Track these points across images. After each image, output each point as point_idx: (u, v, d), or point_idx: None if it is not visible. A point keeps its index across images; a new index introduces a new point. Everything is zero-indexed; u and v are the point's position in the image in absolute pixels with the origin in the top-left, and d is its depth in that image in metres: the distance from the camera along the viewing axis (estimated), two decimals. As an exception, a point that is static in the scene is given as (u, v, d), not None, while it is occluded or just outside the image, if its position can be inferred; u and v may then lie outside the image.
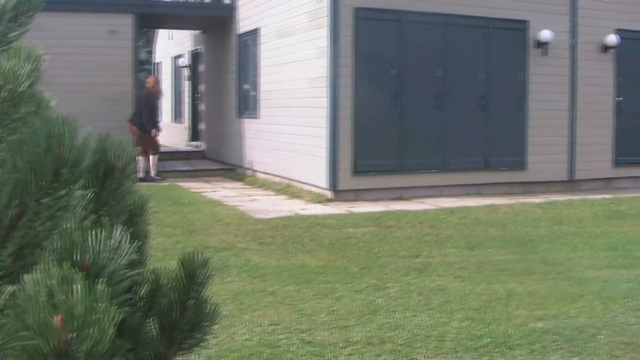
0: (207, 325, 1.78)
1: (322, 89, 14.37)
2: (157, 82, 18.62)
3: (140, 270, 1.72)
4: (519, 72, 15.83)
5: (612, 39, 16.46)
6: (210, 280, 1.78)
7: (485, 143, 15.46)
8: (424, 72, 14.82)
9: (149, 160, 17.76)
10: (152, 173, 17.72)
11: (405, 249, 9.70)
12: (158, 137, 18.13)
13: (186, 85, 26.14)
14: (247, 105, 19.20)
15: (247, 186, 16.99)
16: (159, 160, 18.23)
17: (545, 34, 15.71)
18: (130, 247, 1.30)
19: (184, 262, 1.75)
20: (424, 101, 14.86)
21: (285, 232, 10.76)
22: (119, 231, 1.33)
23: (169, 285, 1.78)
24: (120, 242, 1.29)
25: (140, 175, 17.45)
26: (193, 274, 1.75)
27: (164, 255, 8.75)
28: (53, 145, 1.23)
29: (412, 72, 14.69)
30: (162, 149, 19.86)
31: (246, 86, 19.35)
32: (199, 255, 1.76)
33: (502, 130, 15.61)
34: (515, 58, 15.79)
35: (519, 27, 15.73)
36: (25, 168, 1.22)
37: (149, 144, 17.59)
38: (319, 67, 14.52)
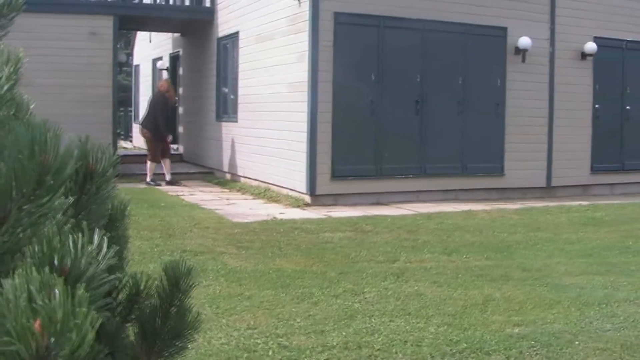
0: (189, 333, 1.78)
1: (302, 93, 14.38)
2: (170, 85, 18.30)
3: (119, 275, 1.72)
4: (498, 79, 15.90)
5: (590, 46, 16.56)
6: (194, 288, 1.78)
7: (463, 149, 15.52)
8: (403, 78, 14.86)
9: (165, 163, 17.78)
10: (148, 178, 17.63)
11: (382, 254, 9.71)
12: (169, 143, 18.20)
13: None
14: (226, 109, 19.18)
15: (225, 190, 16.97)
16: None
17: (524, 41, 15.78)
18: (110, 252, 1.30)
19: (167, 269, 1.75)
20: (403, 106, 14.90)
21: (263, 237, 10.75)
22: (98, 236, 1.34)
23: (150, 292, 1.78)
24: (99, 247, 1.30)
25: (167, 178, 17.53)
26: (177, 282, 1.74)
27: (141, 259, 8.72)
28: (37, 152, 1.23)
29: (391, 77, 14.73)
30: (138, 152, 19.81)
31: (225, 90, 19.33)
32: (183, 264, 1.76)
33: (480, 136, 15.66)
34: (494, 64, 15.86)
35: (498, 34, 15.81)
36: (8, 175, 1.22)
37: (152, 149, 17.57)
38: (299, 71, 14.54)
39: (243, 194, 16.13)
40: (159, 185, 17.34)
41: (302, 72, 14.39)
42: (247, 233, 11.01)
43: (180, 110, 23.57)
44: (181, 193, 16.03)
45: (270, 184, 15.89)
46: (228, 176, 18.64)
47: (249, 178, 17.19)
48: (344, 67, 14.29)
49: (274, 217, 12.63)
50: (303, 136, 14.32)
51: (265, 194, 15.57)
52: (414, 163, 15.10)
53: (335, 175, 14.38)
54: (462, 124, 15.49)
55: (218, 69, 19.59)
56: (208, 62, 20.32)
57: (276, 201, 14.75)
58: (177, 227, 11.39)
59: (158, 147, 17.50)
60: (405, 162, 15.01)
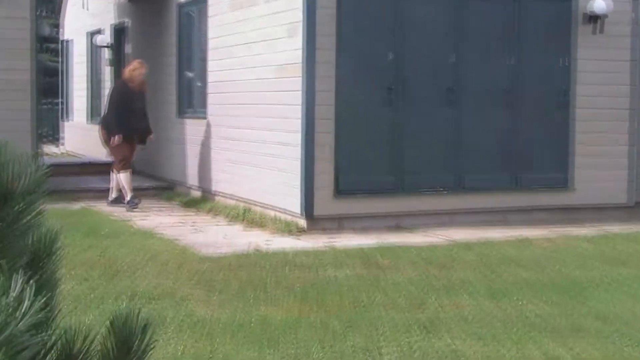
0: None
1: (294, 79, 14.36)
2: (136, 69, 17.84)
3: (47, 335, 1.70)
4: (562, 57, 15.86)
5: (691, 10, 16.49)
6: (153, 350, 1.76)
7: (514, 153, 15.53)
8: (431, 57, 14.87)
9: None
10: (127, 197, 17.35)
11: (405, 297, 9.71)
12: (119, 144, 17.48)
13: (107, 72, 26.00)
14: (192, 100, 19.17)
15: (190, 211, 16.96)
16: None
17: (600, 5, 15.70)
18: (35, 303, 1.29)
19: (114, 324, 1.73)
20: (432, 96, 14.89)
21: (243, 275, 10.72)
22: (19, 281, 1.32)
23: (89, 354, 1.77)
24: (20, 296, 1.28)
25: (113, 195, 17.46)
26: (128, 343, 1.72)
27: (76, 307, 8.70)
28: None
29: (415, 57, 14.72)
30: (70, 160, 19.68)
31: (190, 75, 19.33)
32: (136, 316, 1.74)
33: (538, 137, 15.65)
34: (557, 37, 15.83)
35: (563, -4, 15.81)
36: None
37: (117, 154, 17.48)
38: (290, 49, 14.53)
39: (215, 216, 16.14)
40: (135, 206, 17.04)
41: (294, 50, 14.37)
42: (220, 270, 10.99)
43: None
44: (130, 216, 16.03)
45: (252, 202, 15.87)
46: (195, 192, 18.61)
47: (222, 195, 17.16)
48: (351, 43, 14.28)
49: (257, 248, 12.64)
50: (296, 137, 14.30)
51: (246, 216, 15.58)
52: (447, 173, 15.09)
53: (340, 191, 14.36)
54: (512, 120, 15.48)
55: (179, 46, 19.57)
56: (165, 36, 20.30)
57: (260, 226, 14.76)
58: (124, 262, 11.36)
59: (124, 149, 17.43)
60: (435, 172, 14.99)
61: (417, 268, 11.37)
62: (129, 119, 17.51)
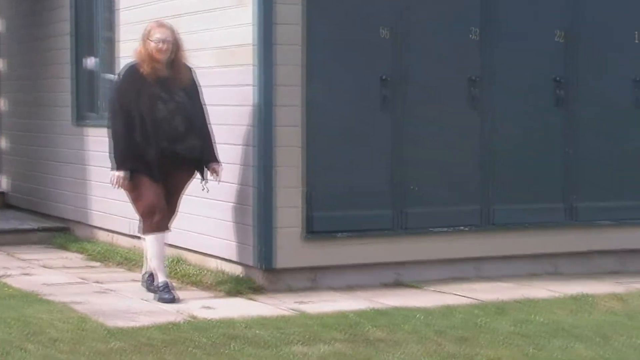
0: None
1: (244, 69, 14.41)
2: (150, 32, 14.18)
3: None
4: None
5: None
6: None
7: (571, 173, 15.68)
8: (449, 33, 14.98)
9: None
10: (156, 278, 14.54)
11: (410, 387, 9.69)
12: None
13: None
14: (94, 101, 19.07)
15: (94, 263, 16.88)
16: None
17: None
18: None
19: None
20: (447, 90, 15.05)
21: (169, 357, 10.66)
22: None
23: None
24: None
25: (144, 270, 15.35)
26: None
27: None
28: None
29: (423, 33, 14.80)
30: None
31: (91, 62, 19.24)
32: None
33: (601, 146, 15.71)
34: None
35: None
36: None
37: (134, 205, 14.73)
38: (237, 24, 14.58)
39: (130, 269, 16.14)
40: (168, 299, 14.10)
41: (243, 25, 14.40)
42: (136, 350, 10.88)
43: (2, 105, 23.42)
44: (4, 272, 15.98)
45: (184, 248, 15.85)
46: (101, 235, 18.53)
47: (141, 239, 17.04)
48: (325, 15, 14.34)
49: (192, 316, 12.62)
50: (247, 154, 14.32)
51: (175, 268, 15.56)
52: (468, 202, 15.20)
53: (314, 231, 14.36)
54: (563, 121, 15.66)
55: (76, 20, 19.54)
56: (54, 8, 20.25)
57: (196, 283, 14.82)
58: (-8, 342, 11.25)
59: (145, 193, 14.34)
60: (450, 201, 15.12)
61: (425, 342, 11.29)
62: (146, 136, 14.18)
